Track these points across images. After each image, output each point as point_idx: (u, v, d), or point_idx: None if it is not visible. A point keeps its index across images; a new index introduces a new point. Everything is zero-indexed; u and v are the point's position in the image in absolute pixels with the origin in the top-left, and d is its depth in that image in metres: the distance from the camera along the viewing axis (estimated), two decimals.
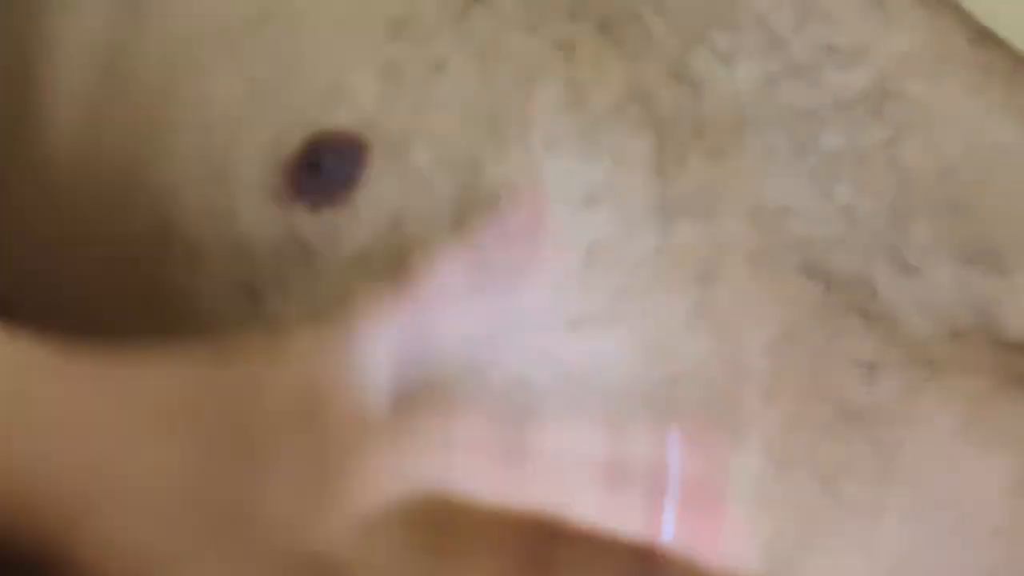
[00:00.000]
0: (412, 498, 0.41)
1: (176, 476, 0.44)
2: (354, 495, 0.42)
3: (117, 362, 0.46)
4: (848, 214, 0.52)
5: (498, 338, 0.46)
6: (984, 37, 0.57)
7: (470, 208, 0.49)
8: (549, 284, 0.47)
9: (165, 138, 0.53)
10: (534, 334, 0.48)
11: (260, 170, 0.51)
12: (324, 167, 0.50)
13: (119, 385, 0.46)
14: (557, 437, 0.42)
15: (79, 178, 0.54)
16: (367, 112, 0.51)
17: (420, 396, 0.44)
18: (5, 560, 0.45)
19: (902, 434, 0.49)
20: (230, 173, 0.51)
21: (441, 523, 0.42)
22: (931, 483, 0.49)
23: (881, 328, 0.50)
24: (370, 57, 0.52)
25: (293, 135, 0.51)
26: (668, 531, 0.41)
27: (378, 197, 0.50)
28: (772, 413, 0.48)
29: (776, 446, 0.48)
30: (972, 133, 0.55)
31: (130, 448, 0.45)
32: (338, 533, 0.42)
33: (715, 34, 0.54)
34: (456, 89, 0.51)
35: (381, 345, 0.43)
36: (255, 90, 0.52)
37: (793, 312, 0.50)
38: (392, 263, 0.47)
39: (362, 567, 0.42)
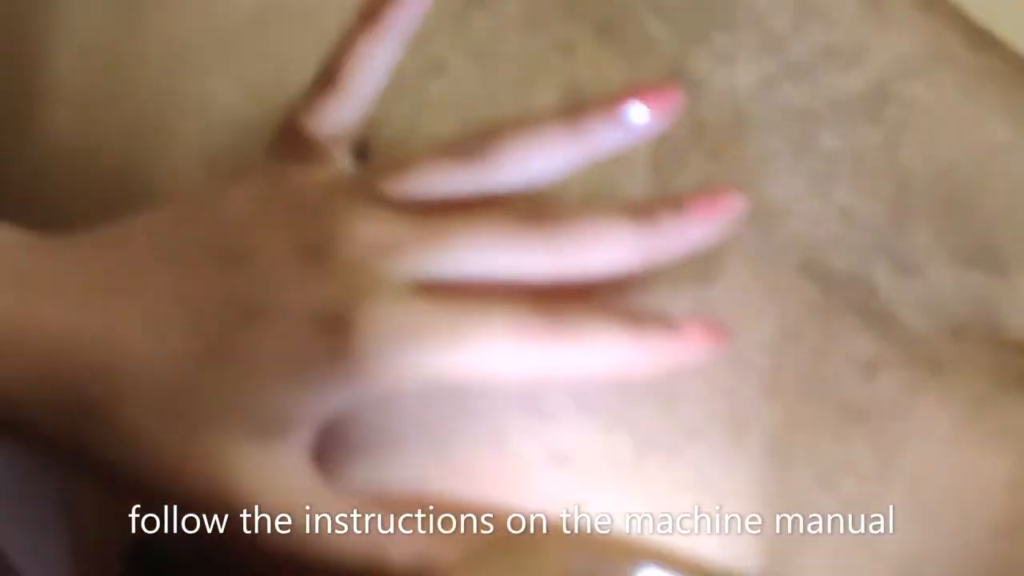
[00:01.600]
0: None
1: (174, 291, 0.45)
2: (336, 239, 0.44)
3: (103, 228, 0.47)
4: (847, 214, 0.52)
5: None
6: (982, 38, 0.57)
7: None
8: None
9: (163, 138, 0.53)
10: None
11: None
12: None
13: (108, 241, 0.47)
14: None
15: (77, 177, 0.54)
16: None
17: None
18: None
19: (902, 433, 0.49)
20: (225, 173, 0.51)
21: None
22: (931, 482, 0.49)
23: (881, 327, 0.50)
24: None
25: None
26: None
27: None
28: (772, 412, 0.48)
29: (776, 445, 0.48)
30: (970, 134, 0.55)
31: (132, 292, 0.45)
32: (334, 280, 0.44)
33: (714, 34, 0.54)
34: (455, 90, 0.51)
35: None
36: (254, 89, 0.52)
37: (792, 311, 0.50)
38: None
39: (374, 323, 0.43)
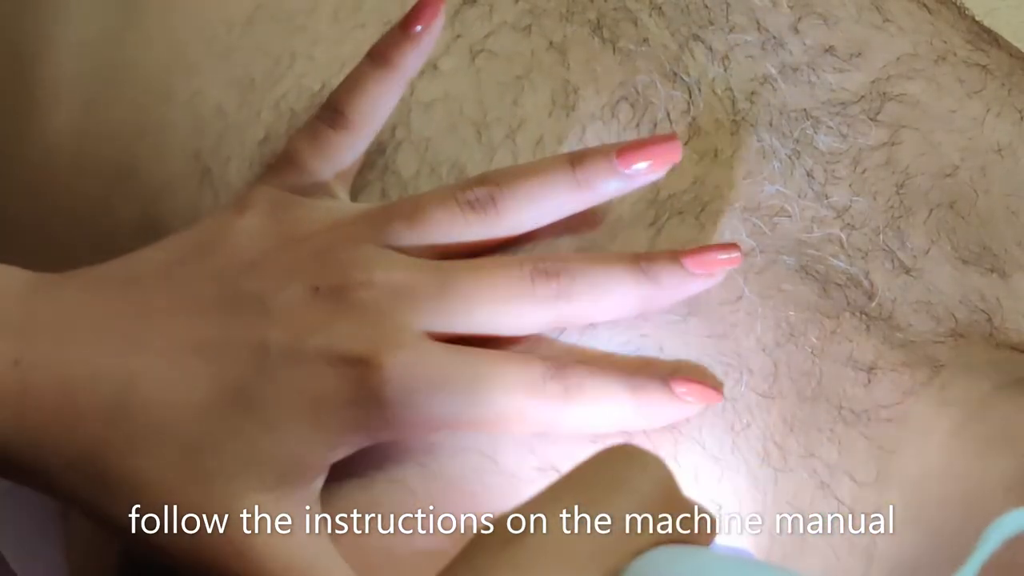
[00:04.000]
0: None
1: (189, 335, 0.44)
2: (353, 289, 0.44)
3: (105, 266, 0.47)
4: (845, 215, 0.52)
5: None
6: (983, 37, 0.57)
7: None
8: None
9: (157, 136, 0.53)
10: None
11: (245, 170, 0.51)
12: None
13: (114, 279, 0.46)
14: None
15: (72, 175, 0.54)
16: None
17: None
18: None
19: (900, 435, 0.49)
20: (217, 172, 0.51)
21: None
22: (930, 484, 0.48)
23: (879, 329, 0.50)
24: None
25: (280, 136, 0.51)
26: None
27: (365, 196, 0.50)
28: (771, 410, 0.48)
29: (774, 448, 0.48)
30: (970, 134, 0.54)
31: (144, 333, 0.45)
32: (353, 331, 0.44)
33: (711, 35, 0.54)
34: (449, 89, 0.51)
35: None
36: (245, 90, 0.52)
37: (790, 311, 0.49)
38: None
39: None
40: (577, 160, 0.47)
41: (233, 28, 0.53)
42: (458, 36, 0.52)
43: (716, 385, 0.47)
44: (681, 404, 0.47)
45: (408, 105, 0.51)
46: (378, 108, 0.49)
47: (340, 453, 0.44)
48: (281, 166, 0.49)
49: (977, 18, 0.58)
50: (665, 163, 0.47)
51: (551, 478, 0.46)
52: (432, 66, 0.51)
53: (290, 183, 0.48)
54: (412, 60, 0.49)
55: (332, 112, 0.49)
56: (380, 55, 0.49)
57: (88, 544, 0.55)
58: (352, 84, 0.49)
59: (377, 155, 0.50)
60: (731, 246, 0.48)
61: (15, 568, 0.59)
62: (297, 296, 0.44)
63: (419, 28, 0.48)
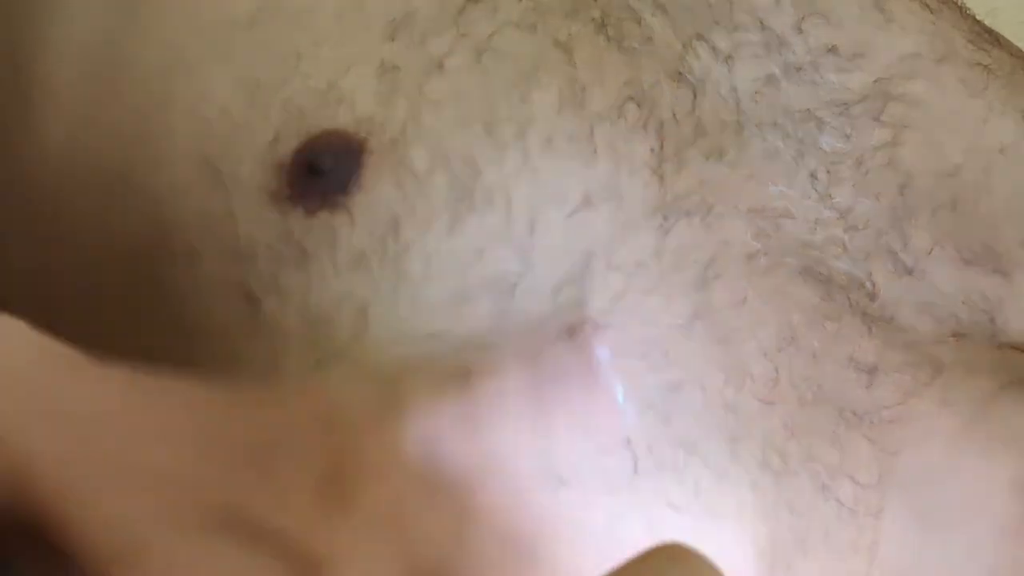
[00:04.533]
0: None
1: (168, 464, 0.43)
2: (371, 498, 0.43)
3: (144, 372, 0.45)
4: (848, 216, 0.52)
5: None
6: (984, 37, 0.57)
7: (467, 210, 0.49)
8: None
9: (160, 140, 0.52)
10: None
11: (257, 172, 0.51)
12: (321, 168, 0.50)
13: (134, 386, 0.45)
14: None
15: (73, 180, 0.54)
16: (364, 111, 0.51)
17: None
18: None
19: (903, 437, 0.49)
20: (226, 175, 0.51)
21: None
22: (933, 486, 0.48)
23: (881, 330, 0.50)
24: (368, 57, 0.51)
25: (290, 136, 0.51)
26: None
27: (375, 199, 0.50)
28: (772, 416, 0.48)
29: (774, 453, 0.48)
30: (973, 134, 0.55)
31: (127, 443, 0.43)
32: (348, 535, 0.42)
33: (715, 34, 0.54)
34: (454, 88, 0.51)
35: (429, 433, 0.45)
36: (251, 91, 0.52)
37: (793, 314, 0.49)
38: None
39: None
40: None
41: (235, 29, 0.53)
42: (463, 35, 0.52)
43: None
44: None
45: (417, 103, 0.51)
46: None
47: None
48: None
49: (978, 18, 0.58)
50: None
51: (554, 488, 0.47)
52: (438, 65, 0.51)
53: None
54: None
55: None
56: None
57: None
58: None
59: (389, 152, 0.50)
60: None
61: (16, 565, 0.59)
62: (303, 481, 0.43)
63: None
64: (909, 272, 0.51)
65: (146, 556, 0.41)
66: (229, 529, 0.42)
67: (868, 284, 0.51)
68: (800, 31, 0.54)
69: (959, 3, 0.58)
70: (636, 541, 0.47)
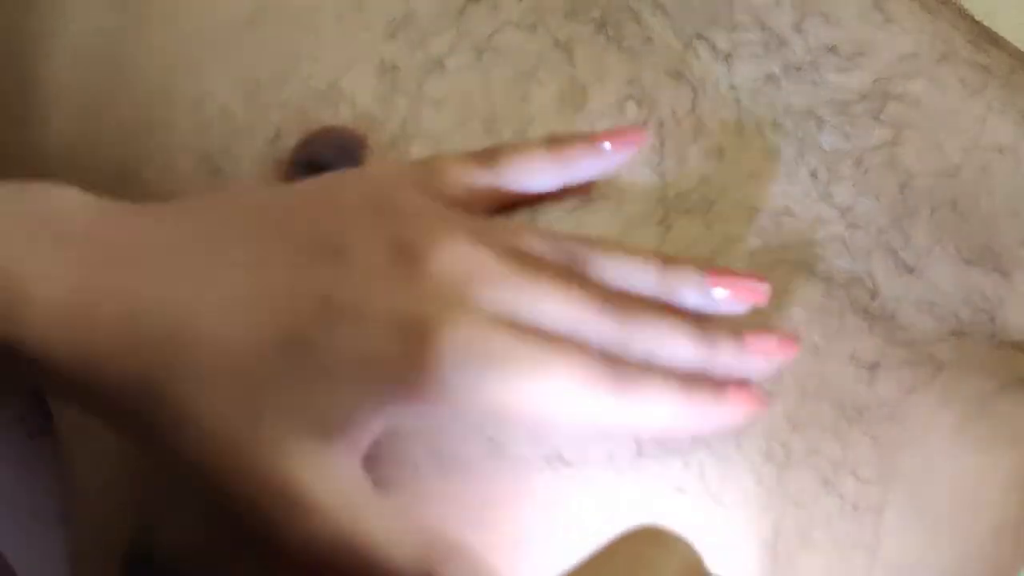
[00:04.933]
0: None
1: (263, 281, 0.44)
2: (435, 252, 0.44)
3: (185, 201, 0.47)
4: (848, 214, 0.52)
5: None
6: (984, 37, 0.57)
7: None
8: None
9: (162, 137, 0.53)
10: None
11: (259, 169, 0.51)
12: (321, 165, 0.50)
13: (194, 214, 0.46)
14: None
15: (75, 176, 0.54)
16: (365, 110, 0.51)
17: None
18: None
19: (902, 433, 0.49)
20: (227, 171, 0.51)
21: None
22: (932, 482, 0.48)
23: (882, 328, 0.50)
24: (368, 55, 0.51)
25: (290, 133, 0.51)
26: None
27: None
28: (773, 412, 0.48)
29: (777, 445, 0.48)
30: (972, 134, 0.55)
31: (216, 267, 0.45)
32: (424, 292, 0.44)
33: (714, 33, 0.54)
34: (455, 87, 0.51)
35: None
36: (252, 88, 0.52)
37: (795, 313, 0.49)
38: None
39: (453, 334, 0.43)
40: (670, 262, 0.48)
41: (235, 29, 0.53)
42: (463, 34, 0.52)
43: (762, 396, 0.47)
44: (730, 408, 0.46)
45: (417, 101, 0.51)
46: (528, 179, 0.49)
47: (388, 417, 0.44)
48: (419, 166, 0.49)
49: (977, 18, 0.58)
50: (748, 301, 0.48)
51: (557, 469, 0.47)
52: (439, 64, 0.51)
53: (418, 177, 0.48)
54: (584, 168, 0.50)
55: (487, 155, 0.49)
56: (558, 147, 0.49)
57: (90, 545, 0.55)
58: (520, 148, 0.49)
59: (389, 149, 0.50)
60: (787, 337, 0.48)
61: (16, 567, 0.59)
62: (372, 254, 0.44)
63: (608, 147, 0.49)
64: (910, 270, 0.51)
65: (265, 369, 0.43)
66: (329, 318, 0.44)
67: (869, 282, 0.51)
68: (800, 31, 0.55)
69: (958, 4, 0.58)
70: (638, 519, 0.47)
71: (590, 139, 0.50)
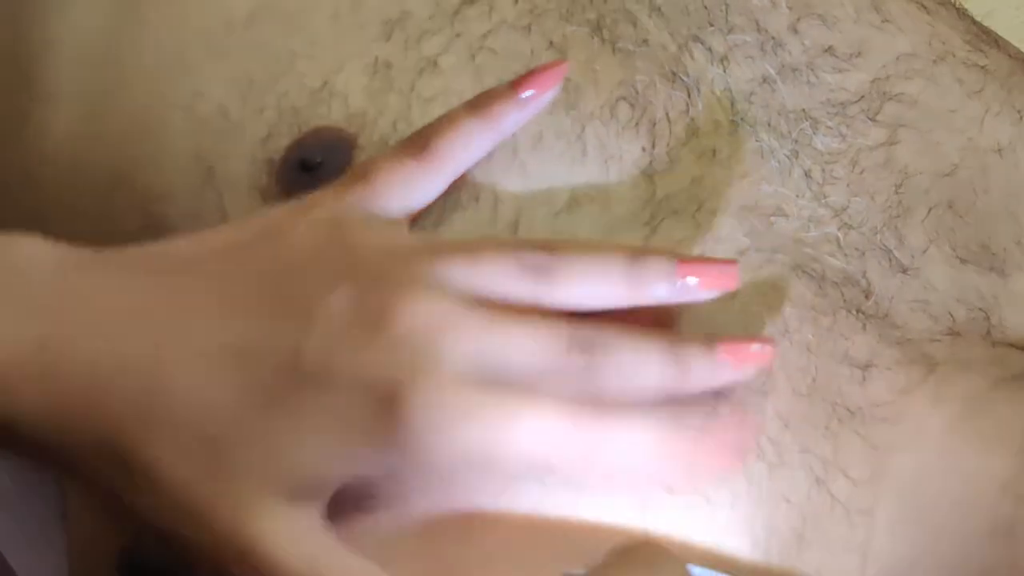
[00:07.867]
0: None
1: (226, 336, 0.44)
2: (398, 311, 0.43)
3: (144, 249, 0.47)
4: (842, 214, 0.52)
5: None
6: (982, 38, 0.57)
7: (452, 207, 0.49)
8: None
9: (157, 138, 0.53)
10: None
11: (251, 169, 0.51)
12: (314, 166, 0.50)
13: (153, 266, 0.46)
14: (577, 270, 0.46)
15: (72, 177, 0.54)
16: (358, 111, 0.51)
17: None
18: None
19: (895, 433, 0.49)
20: (221, 172, 0.51)
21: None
22: (925, 482, 0.48)
23: (876, 327, 0.50)
24: (362, 56, 0.51)
25: (282, 134, 0.51)
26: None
27: None
28: (765, 405, 0.48)
29: (769, 443, 0.48)
30: (969, 133, 0.55)
31: (179, 317, 0.44)
32: (390, 353, 0.43)
33: (710, 36, 0.54)
34: (448, 87, 0.51)
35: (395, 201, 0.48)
36: (246, 89, 0.52)
37: (786, 312, 0.49)
38: None
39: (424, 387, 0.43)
40: (638, 258, 0.46)
41: (232, 28, 0.53)
42: (458, 35, 0.52)
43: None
44: (717, 450, 0.46)
45: (408, 100, 0.51)
46: (465, 154, 0.49)
47: (358, 473, 0.44)
48: (353, 181, 0.48)
49: (976, 19, 0.58)
50: (719, 286, 0.47)
51: (542, 482, 0.47)
52: (432, 63, 0.52)
53: (357, 199, 0.47)
54: (511, 121, 0.49)
55: (418, 145, 0.48)
56: (481, 106, 0.49)
57: (88, 544, 0.55)
58: (445, 123, 0.49)
59: (380, 148, 0.50)
60: (764, 344, 0.47)
61: (15, 566, 0.59)
62: (340, 307, 0.44)
63: (529, 93, 0.49)
64: (904, 270, 0.51)
65: (235, 429, 0.43)
66: (296, 378, 0.43)
67: (863, 281, 0.51)
68: (796, 32, 0.55)
69: (956, 4, 0.58)
70: (629, 521, 0.47)
71: (511, 89, 0.49)
